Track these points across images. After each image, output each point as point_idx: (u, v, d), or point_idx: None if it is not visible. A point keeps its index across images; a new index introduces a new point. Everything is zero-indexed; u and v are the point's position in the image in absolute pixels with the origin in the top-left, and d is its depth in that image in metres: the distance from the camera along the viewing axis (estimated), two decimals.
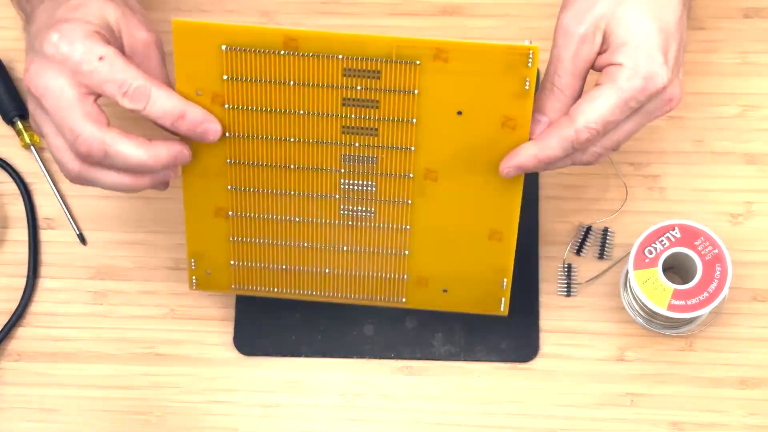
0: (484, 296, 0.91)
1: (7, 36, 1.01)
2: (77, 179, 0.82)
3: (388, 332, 0.94)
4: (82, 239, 0.97)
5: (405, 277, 0.91)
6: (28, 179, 0.99)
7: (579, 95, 0.83)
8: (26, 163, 0.99)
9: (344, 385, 0.94)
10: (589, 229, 0.95)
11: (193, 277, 0.92)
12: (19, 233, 0.98)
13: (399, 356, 0.94)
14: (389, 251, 0.91)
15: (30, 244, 0.97)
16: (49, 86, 0.79)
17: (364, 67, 0.83)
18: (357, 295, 0.92)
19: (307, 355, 0.95)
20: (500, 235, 0.89)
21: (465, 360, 0.94)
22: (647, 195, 0.96)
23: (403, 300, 0.92)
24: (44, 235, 0.98)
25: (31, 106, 0.82)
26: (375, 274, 0.91)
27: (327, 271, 0.91)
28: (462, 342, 0.94)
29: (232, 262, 0.91)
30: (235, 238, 0.90)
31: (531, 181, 0.96)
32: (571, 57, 0.81)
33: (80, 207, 0.98)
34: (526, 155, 0.82)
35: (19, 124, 0.98)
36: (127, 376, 0.95)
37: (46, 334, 0.96)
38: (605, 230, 0.95)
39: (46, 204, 0.98)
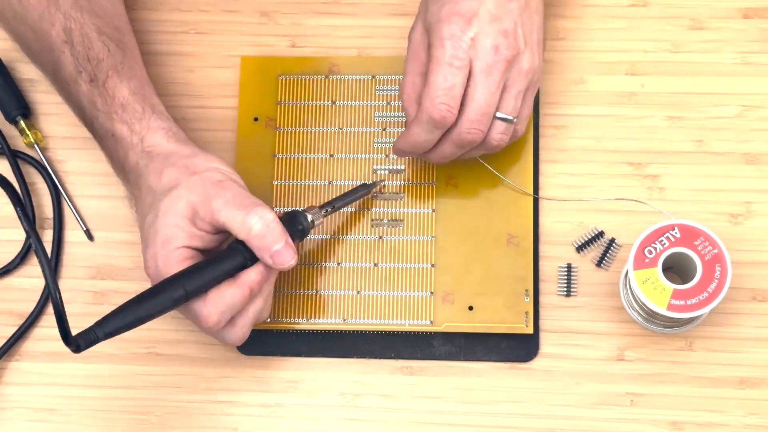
0: (508, 310, 0.93)
1: (2, 35, 1.01)
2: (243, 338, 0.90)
3: (388, 332, 0.94)
4: (89, 236, 0.97)
5: (431, 293, 0.92)
6: (29, 179, 0.99)
7: None
8: (24, 164, 0.99)
9: (344, 385, 0.94)
10: (601, 234, 0.94)
11: None
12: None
13: (399, 356, 0.94)
14: (416, 264, 0.94)
15: (54, 244, 0.97)
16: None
17: (391, 85, 0.97)
18: (385, 320, 0.93)
19: (307, 355, 0.95)
20: (518, 240, 0.93)
21: (465, 360, 0.94)
22: (647, 195, 0.96)
23: (430, 321, 0.93)
24: (44, 235, 0.98)
25: None
26: (403, 294, 0.93)
27: (358, 293, 0.94)
28: (462, 342, 0.94)
29: None
30: None
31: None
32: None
33: (81, 207, 0.98)
34: (399, 139, 0.91)
35: (22, 123, 0.98)
36: (127, 376, 0.95)
37: (46, 333, 0.96)
38: (611, 240, 0.94)
39: (47, 204, 0.98)
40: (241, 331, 0.88)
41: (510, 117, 0.89)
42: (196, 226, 0.86)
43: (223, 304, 0.85)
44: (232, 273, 0.86)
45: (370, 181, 0.95)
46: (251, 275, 0.86)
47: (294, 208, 0.94)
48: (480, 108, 0.88)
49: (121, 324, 0.83)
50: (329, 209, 0.92)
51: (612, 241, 0.94)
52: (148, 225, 0.87)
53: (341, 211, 0.95)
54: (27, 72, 1.01)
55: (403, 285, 0.94)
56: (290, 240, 0.86)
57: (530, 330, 0.92)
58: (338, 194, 0.95)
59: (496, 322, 0.93)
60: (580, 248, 0.95)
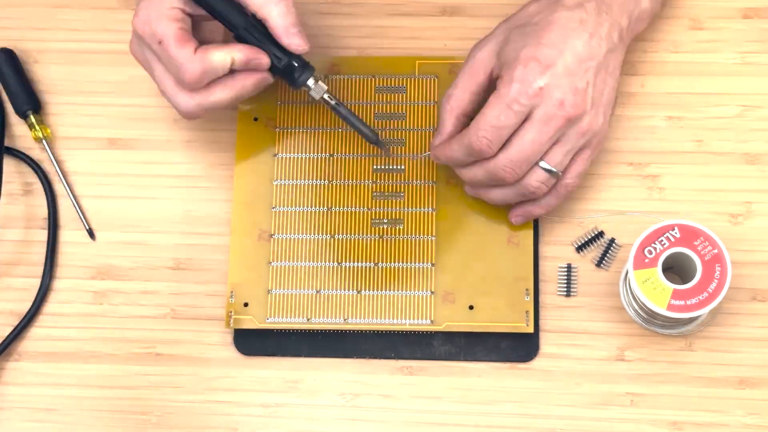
0: (508, 309, 0.92)
1: (17, 34, 1.01)
2: (199, 111, 0.89)
3: (388, 332, 0.94)
4: (91, 234, 0.97)
5: (432, 292, 0.92)
6: (29, 179, 0.99)
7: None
8: (24, 164, 0.99)
9: (344, 385, 0.94)
10: (601, 234, 0.94)
11: (231, 312, 0.94)
12: (28, 234, 0.98)
13: (399, 356, 0.94)
14: (416, 263, 0.94)
15: (48, 244, 0.97)
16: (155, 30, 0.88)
17: (391, 84, 0.98)
18: (386, 319, 0.93)
19: (307, 355, 0.95)
20: (518, 239, 0.94)
21: (465, 360, 0.94)
22: (647, 195, 0.96)
23: (430, 321, 0.93)
24: (44, 235, 0.98)
25: (141, 56, 0.90)
26: (403, 293, 0.93)
27: (358, 292, 0.93)
28: (462, 342, 0.94)
29: (269, 291, 0.93)
30: (274, 263, 0.94)
31: None
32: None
33: (81, 207, 0.98)
34: (436, 146, 0.92)
35: (32, 118, 0.98)
36: (127, 376, 0.95)
37: (46, 333, 0.96)
38: (611, 240, 0.94)
39: (45, 204, 0.98)
40: (193, 101, 0.89)
41: (553, 169, 0.89)
42: None
43: (207, 64, 0.87)
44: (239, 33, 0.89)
45: (388, 149, 0.96)
46: (241, 48, 0.88)
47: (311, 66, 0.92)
48: (523, 151, 0.87)
49: None
50: (333, 100, 0.92)
51: (612, 241, 0.94)
52: None
53: (340, 210, 0.95)
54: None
55: (403, 284, 0.94)
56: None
57: (531, 329, 0.92)
58: (338, 195, 0.95)
59: (496, 322, 0.93)
60: (580, 248, 0.95)
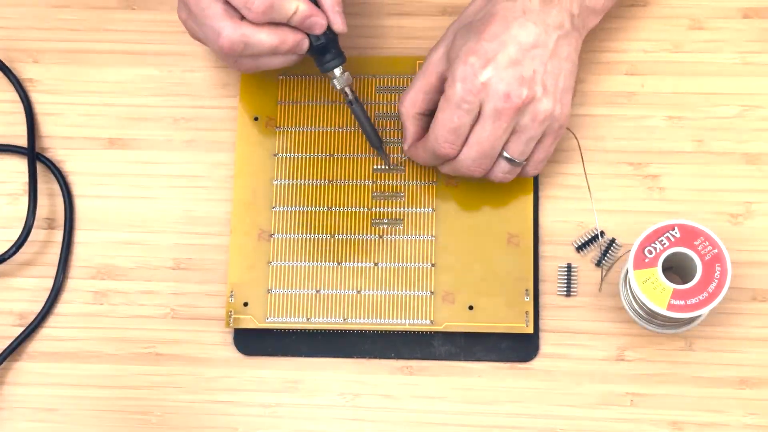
0: (508, 310, 0.93)
1: (17, 34, 1.01)
2: (238, 46, 0.89)
3: (387, 332, 0.94)
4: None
5: (431, 293, 0.92)
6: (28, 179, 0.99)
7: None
8: (22, 164, 0.99)
9: (344, 385, 0.94)
10: (601, 234, 0.94)
11: (231, 312, 0.94)
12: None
13: (399, 356, 0.94)
14: (416, 263, 0.94)
15: (63, 244, 0.97)
16: None
17: (391, 84, 0.97)
18: (386, 319, 0.93)
19: (307, 355, 0.95)
20: (518, 239, 0.93)
21: (465, 360, 0.94)
22: (647, 195, 0.96)
23: (430, 321, 0.93)
24: (44, 235, 0.98)
25: (183, 15, 0.91)
26: (403, 293, 0.93)
27: (358, 292, 0.93)
28: (462, 342, 0.94)
29: (269, 290, 0.94)
30: (274, 262, 0.94)
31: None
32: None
33: (81, 207, 0.98)
34: (407, 147, 0.94)
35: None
36: (127, 376, 0.95)
37: (46, 333, 0.96)
38: (612, 240, 0.94)
39: (47, 204, 0.98)
40: (239, 30, 0.88)
41: (515, 159, 0.90)
42: None
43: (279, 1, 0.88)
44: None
45: (389, 159, 0.96)
46: (306, 2, 0.89)
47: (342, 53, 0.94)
48: (481, 147, 0.89)
49: None
50: (351, 95, 0.93)
51: (612, 241, 0.94)
52: None
53: (340, 210, 0.95)
54: (27, 72, 1.01)
55: (403, 285, 0.94)
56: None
57: (530, 330, 0.92)
58: (338, 194, 0.95)
59: (496, 322, 0.93)
60: (580, 248, 0.95)
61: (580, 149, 0.96)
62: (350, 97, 0.93)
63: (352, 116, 0.95)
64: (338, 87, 0.92)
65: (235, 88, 0.99)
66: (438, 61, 0.91)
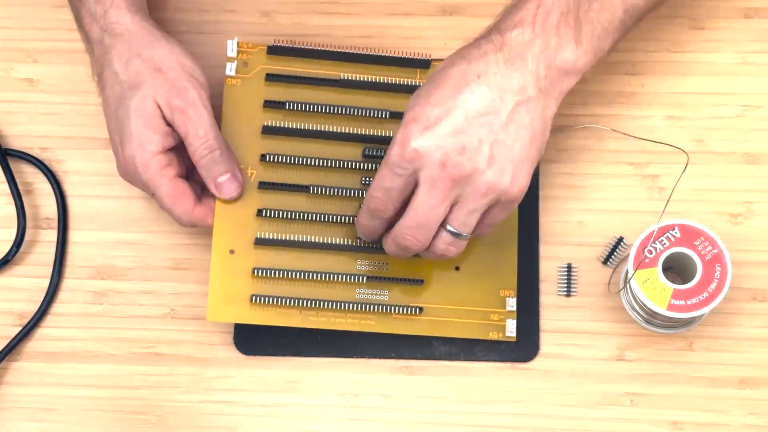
0: (491, 319, 0.93)
1: (17, 34, 1.01)
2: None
3: (388, 333, 0.94)
4: None
5: (419, 311, 0.93)
6: (29, 179, 0.99)
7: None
8: (24, 163, 0.99)
9: (344, 385, 0.94)
10: (621, 240, 0.95)
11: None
12: (28, 233, 0.98)
13: (399, 356, 0.94)
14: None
15: (57, 243, 0.97)
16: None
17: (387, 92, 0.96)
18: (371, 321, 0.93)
19: (307, 355, 0.95)
20: (500, 241, 0.94)
21: (465, 360, 0.94)
22: (647, 195, 0.96)
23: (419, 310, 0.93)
24: (44, 235, 0.98)
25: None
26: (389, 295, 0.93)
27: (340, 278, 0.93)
28: (462, 342, 0.94)
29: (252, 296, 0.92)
30: (259, 271, 0.92)
31: (531, 181, 0.96)
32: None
33: (80, 207, 0.98)
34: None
35: None
36: (127, 376, 0.95)
37: (46, 333, 0.96)
38: (620, 239, 0.94)
39: (47, 204, 0.98)
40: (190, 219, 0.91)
41: (457, 231, 0.85)
42: (166, 122, 0.89)
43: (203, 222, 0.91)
44: None
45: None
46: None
47: None
48: (416, 217, 0.84)
49: None
50: None
51: (620, 240, 0.94)
52: (120, 122, 0.90)
53: (322, 241, 0.93)
54: (26, 72, 1.01)
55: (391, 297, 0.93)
56: (237, 173, 0.90)
57: (513, 338, 0.92)
58: (323, 204, 0.94)
59: (479, 330, 0.93)
60: (606, 260, 0.95)
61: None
62: None
63: (342, 119, 0.94)
64: None
65: None
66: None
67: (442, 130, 0.83)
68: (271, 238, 0.92)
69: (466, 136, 0.83)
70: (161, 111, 0.89)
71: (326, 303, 0.92)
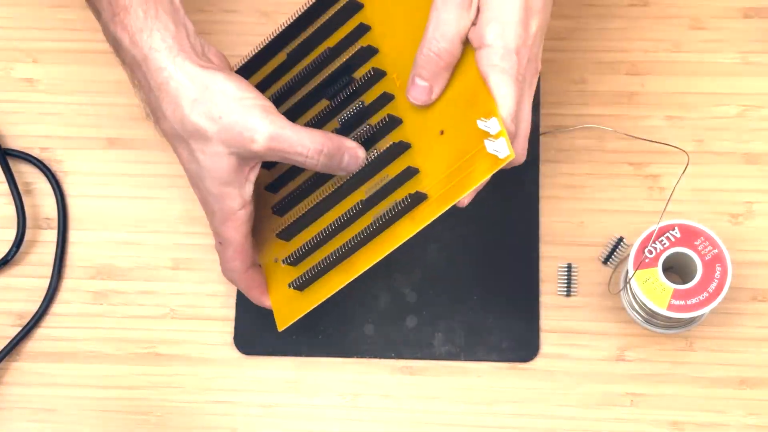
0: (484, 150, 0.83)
1: (17, 34, 1.01)
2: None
3: (388, 332, 0.94)
4: None
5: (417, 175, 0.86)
6: (28, 179, 0.99)
7: (456, 61, 0.83)
8: (24, 163, 0.99)
9: (344, 385, 0.94)
10: (620, 240, 0.95)
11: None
12: (27, 233, 0.98)
13: (399, 356, 0.94)
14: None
15: (58, 243, 0.97)
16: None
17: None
18: (376, 221, 0.86)
19: (307, 355, 0.95)
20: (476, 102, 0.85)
21: (465, 360, 0.94)
22: (647, 195, 0.96)
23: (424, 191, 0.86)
24: (44, 235, 0.98)
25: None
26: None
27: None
28: (462, 342, 0.94)
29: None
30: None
31: (531, 181, 0.96)
32: (452, 22, 0.82)
33: (80, 207, 0.98)
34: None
35: None
36: (127, 376, 0.95)
37: (46, 333, 0.96)
38: (620, 239, 0.94)
39: (47, 204, 0.98)
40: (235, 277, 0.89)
41: None
42: (245, 166, 0.84)
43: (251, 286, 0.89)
44: None
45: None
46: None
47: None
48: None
49: None
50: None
51: (620, 240, 0.94)
52: (197, 180, 0.85)
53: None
54: (25, 72, 1.01)
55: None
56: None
57: (512, 154, 0.80)
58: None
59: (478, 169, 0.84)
60: (606, 260, 0.94)
61: None
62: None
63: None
64: None
65: None
66: None
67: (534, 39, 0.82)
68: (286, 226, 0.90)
69: None
70: (237, 160, 0.84)
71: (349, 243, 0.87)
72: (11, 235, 0.97)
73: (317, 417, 0.94)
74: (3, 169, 0.98)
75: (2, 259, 0.96)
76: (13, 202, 0.98)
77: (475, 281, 0.94)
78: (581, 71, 0.98)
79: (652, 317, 0.91)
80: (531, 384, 0.93)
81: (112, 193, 0.98)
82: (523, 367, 0.94)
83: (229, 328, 0.95)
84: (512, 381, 0.94)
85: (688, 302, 0.88)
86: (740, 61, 0.98)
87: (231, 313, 0.96)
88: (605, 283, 0.94)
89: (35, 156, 0.99)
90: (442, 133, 0.84)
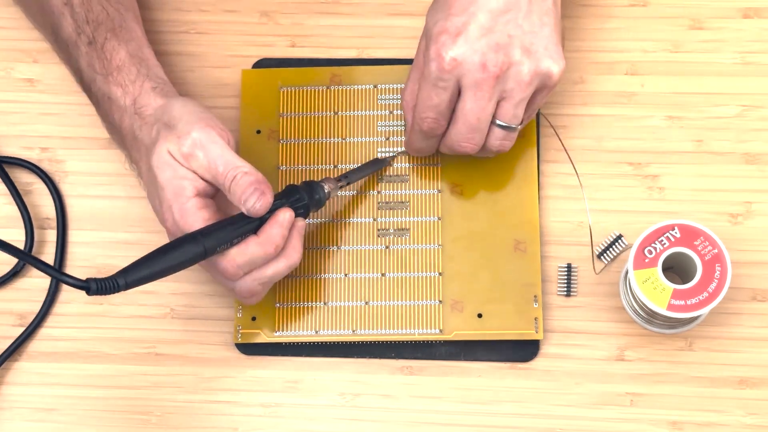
0: (517, 317, 0.93)
1: (17, 34, 1.01)
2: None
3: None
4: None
5: (440, 302, 0.92)
6: (28, 179, 0.99)
7: None
8: (21, 167, 0.99)
9: (344, 385, 0.94)
10: (620, 237, 0.94)
11: (239, 327, 0.94)
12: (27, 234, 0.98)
13: (399, 356, 0.94)
14: (423, 273, 0.94)
15: (57, 243, 0.97)
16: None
17: (394, 94, 0.97)
18: (395, 329, 0.93)
19: (307, 355, 0.95)
20: (524, 246, 0.93)
21: (465, 360, 0.94)
22: (647, 195, 0.96)
23: (439, 330, 0.93)
24: (44, 235, 0.98)
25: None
26: (411, 303, 0.93)
27: (366, 303, 0.93)
28: (462, 342, 0.94)
29: (276, 304, 0.93)
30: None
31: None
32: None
33: (80, 207, 0.98)
34: (405, 142, 0.94)
35: None
36: (127, 376, 0.95)
37: (46, 333, 0.96)
38: (619, 236, 0.94)
39: (46, 204, 0.98)
40: (252, 284, 0.87)
41: (509, 125, 0.89)
42: (192, 165, 0.86)
43: (243, 260, 0.86)
44: (255, 230, 0.86)
45: (383, 156, 0.95)
46: (273, 231, 0.86)
47: (310, 179, 0.92)
48: (467, 122, 0.88)
49: (142, 275, 0.82)
50: (344, 182, 0.93)
51: (619, 236, 0.94)
52: (150, 183, 0.88)
53: (346, 221, 0.94)
54: (25, 72, 1.01)
55: (411, 294, 0.93)
56: (264, 191, 0.85)
57: (540, 336, 0.92)
58: (344, 205, 0.94)
59: (505, 329, 0.93)
60: (600, 255, 0.95)
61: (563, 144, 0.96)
62: (345, 183, 0.93)
63: (356, 126, 0.96)
64: (332, 195, 0.92)
65: (235, 88, 0.99)
66: (422, 47, 0.90)
67: (472, 34, 0.86)
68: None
69: (496, 33, 0.86)
70: (177, 160, 0.87)
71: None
72: (11, 235, 0.97)
73: (317, 417, 0.94)
74: (2, 178, 0.98)
75: (11, 270, 0.96)
76: (11, 203, 0.98)
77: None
78: (581, 71, 0.98)
79: (651, 317, 0.91)
80: (531, 384, 0.93)
81: (112, 193, 0.98)
82: (523, 367, 0.94)
83: (229, 328, 0.95)
84: (512, 381, 0.94)
85: (688, 302, 0.88)
86: (739, 61, 0.98)
87: (231, 313, 0.96)
88: (605, 283, 0.94)
89: (31, 160, 0.98)
90: (480, 316, 0.93)
